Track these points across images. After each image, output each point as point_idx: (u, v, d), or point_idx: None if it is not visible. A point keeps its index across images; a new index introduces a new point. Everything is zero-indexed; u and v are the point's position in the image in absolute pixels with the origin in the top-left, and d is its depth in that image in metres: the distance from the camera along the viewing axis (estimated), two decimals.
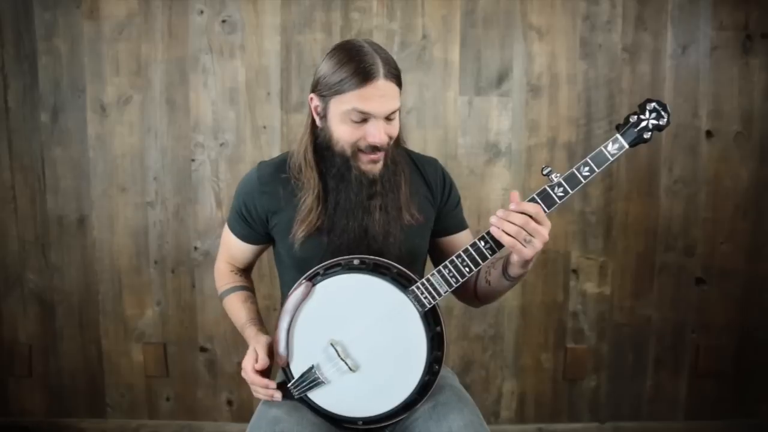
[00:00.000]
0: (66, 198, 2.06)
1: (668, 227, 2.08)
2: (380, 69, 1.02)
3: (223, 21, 1.99)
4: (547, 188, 1.00)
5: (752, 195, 2.07)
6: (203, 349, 2.11)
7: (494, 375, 2.14)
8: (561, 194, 1.00)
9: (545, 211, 0.98)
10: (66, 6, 1.98)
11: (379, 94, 1.03)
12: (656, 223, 2.08)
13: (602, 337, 2.13)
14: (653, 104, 1.01)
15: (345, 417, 1.09)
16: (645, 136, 1.01)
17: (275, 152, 2.01)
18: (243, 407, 2.13)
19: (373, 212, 1.11)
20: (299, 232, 1.12)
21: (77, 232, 2.07)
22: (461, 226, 1.29)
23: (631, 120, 1.02)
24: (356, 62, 1.02)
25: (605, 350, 2.13)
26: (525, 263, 1.01)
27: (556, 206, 1.01)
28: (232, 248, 1.28)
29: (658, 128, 1.01)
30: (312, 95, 1.11)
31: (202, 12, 1.98)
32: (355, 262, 1.06)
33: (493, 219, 0.97)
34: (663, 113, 1.01)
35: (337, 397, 1.08)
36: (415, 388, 1.05)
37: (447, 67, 2.01)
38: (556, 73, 2.02)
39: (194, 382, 2.13)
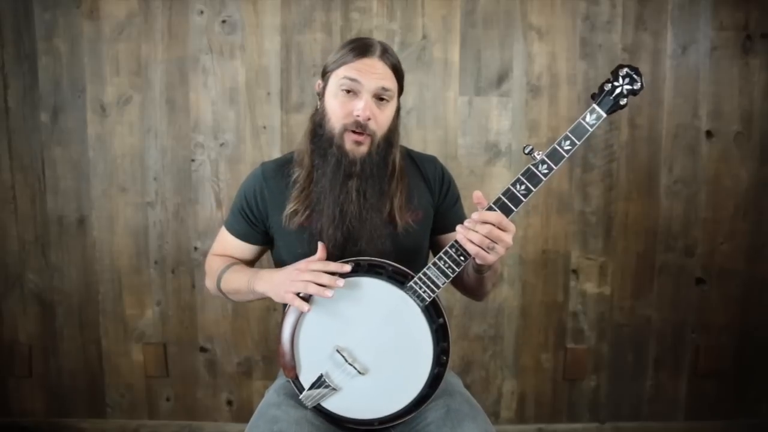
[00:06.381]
0: (66, 198, 2.06)
1: (668, 227, 2.08)
2: (377, 50, 1.10)
3: (223, 21, 1.99)
4: (521, 177, 1.02)
5: (752, 195, 2.07)
6: (203, 350, 2.11)
7: (494, 375, 2.14)
8: (545, 171, 1.02)
9: (513, 210, 1.00)
10: (66, 6, 1.98)
11: (371, 70, 1.09)
12: (656, 224, 2.08)
13: (602, 337, 2.13)
14: (625, 69, 1.02)
15: (360, 420, 1.09)
16: (621, 102, 1.02)
17: (275, 152, 2.01)
18: (243, 407, 2.13)
19: (350, 192, 1.11)
20: (289, 209, 1.15)
21: (77, 232, 2.07)
22: (461, 222, 1.29)
23: (605, 88, 1.02)
24: (357, 42, 1.13)
25: (605, 350, 2.13)
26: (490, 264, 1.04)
27: (527, 199, 1.01)
28: (228, 249, 1.28)
29: (632, 93, 1.03)
30: (319, 80, 1.17)
31: (202, 12, 1.98)
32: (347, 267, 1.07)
33: (458, 228, 0.99)
34: (636, 77, 1.02)
35: (350, 401, 1.08)
36: (426, 382, 1.06)
37: (447, 67, 2.01)
38: (556, 73, 2.02)
39: (194, 383, 2.13)
